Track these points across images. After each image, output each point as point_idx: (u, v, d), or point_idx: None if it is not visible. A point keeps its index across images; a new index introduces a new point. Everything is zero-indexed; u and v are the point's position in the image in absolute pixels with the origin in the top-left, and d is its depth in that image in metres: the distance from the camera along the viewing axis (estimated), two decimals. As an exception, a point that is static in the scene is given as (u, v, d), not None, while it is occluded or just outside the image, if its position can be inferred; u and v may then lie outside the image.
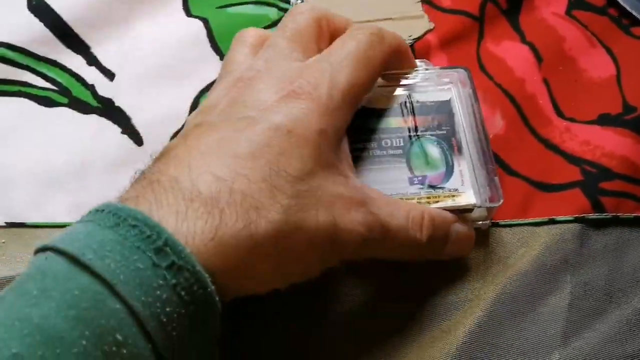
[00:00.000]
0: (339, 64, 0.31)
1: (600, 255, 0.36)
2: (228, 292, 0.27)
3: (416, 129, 0.36)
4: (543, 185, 0.38)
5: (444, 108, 0.37)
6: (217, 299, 0.25)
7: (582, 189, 0.38)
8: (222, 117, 0.30)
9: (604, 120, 0.41)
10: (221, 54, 0.43)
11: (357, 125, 0.35)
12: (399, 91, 0.37)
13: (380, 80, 0.36)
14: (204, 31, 0.44)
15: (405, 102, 0.36)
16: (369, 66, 0.32)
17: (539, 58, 0.43)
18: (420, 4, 0.45)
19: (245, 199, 0.27)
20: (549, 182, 0.38)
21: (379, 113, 0.36)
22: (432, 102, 0.37)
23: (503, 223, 0.37)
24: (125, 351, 0.23)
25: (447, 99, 0.37)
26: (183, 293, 0.24)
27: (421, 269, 0.34)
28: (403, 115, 0.36)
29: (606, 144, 0.39)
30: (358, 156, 0.35)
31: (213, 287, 0.25)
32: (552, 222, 0.37)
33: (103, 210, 0.26)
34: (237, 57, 0.34)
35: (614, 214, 0.37)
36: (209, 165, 0.27)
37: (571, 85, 0.42)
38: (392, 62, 0.35)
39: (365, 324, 0.34)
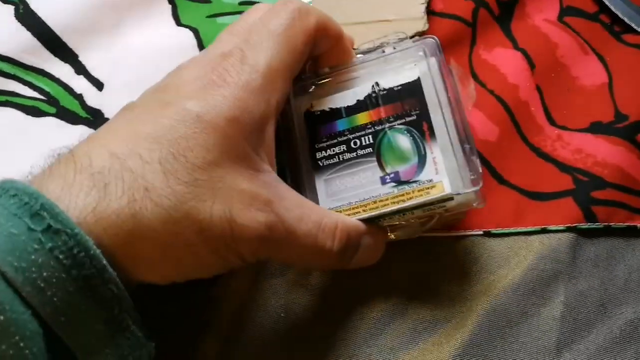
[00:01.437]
0: (260, 46, 0.30)
1: (593, 265, 0.36)
2: (121, 274, 0.26)
3: (384, 121, 0.34)
4: (535, 194, 0.38)
5: (412, 89, 0.34)
6: (104, 262, 0.25)
7: (574, 197, 0.38)
8: (144, 99, 0.30)
9: (596, 128, 0.40)
10: (211, 63, 0.43)
11: (322, 131, 0.34)
12: (363, 83, 0.35)
13: (334, 78, 0.35)
14: (193, 41, 0.43)
15: (370, 94, 0.34)
16: (290, 45, 0.31)
17: (531, 65, 0.43)
18: (424, 5, 0.44)
19: (136, 178, 0.26)
20: (541, 190, 0.38)
21: (344, 112, 0.34)
22: (399, 85, 0.34)
23: (495, 232, 0.37)
24: (2, 317, 0.23)
25: (415, 78, 0.34)
26: (62, 257, 0.24)
27: (409, 280, 0.34)
28: (369, 109, 0.34)
29: (598, 153, 0.39)
30: (328, 164, 0.33)
31: (98, 251, 0.25)
32: (545, 231, 0.37)
33: None
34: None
35: (606, 223, 0.37)
36: (109, 141, 0.27)
37: (563, 93, 0.42)
38: (320, 42, 0.33)
39: (354, 336, 0.34)
